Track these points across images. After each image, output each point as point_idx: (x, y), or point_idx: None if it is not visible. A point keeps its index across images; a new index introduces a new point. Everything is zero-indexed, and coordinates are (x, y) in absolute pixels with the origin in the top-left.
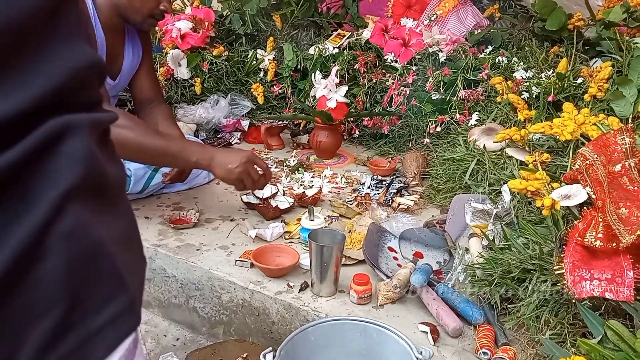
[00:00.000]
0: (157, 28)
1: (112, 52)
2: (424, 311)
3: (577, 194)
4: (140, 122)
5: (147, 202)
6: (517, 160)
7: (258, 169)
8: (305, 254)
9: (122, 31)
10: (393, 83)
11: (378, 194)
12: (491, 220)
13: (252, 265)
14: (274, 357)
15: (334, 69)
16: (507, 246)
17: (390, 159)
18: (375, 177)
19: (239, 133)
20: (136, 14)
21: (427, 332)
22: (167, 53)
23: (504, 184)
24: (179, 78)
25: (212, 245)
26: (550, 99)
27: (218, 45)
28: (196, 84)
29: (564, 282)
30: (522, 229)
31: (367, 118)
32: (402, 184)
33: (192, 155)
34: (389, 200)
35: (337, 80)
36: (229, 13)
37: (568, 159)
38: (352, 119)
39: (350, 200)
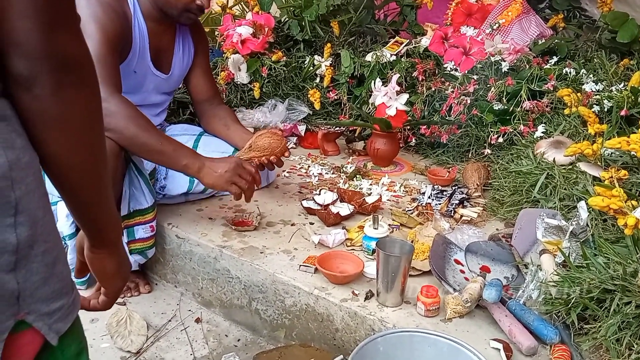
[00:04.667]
0: (217, 32)
1: (159, 43)
2: (494, 327)
3: None
4: (141, 115)
5: (210, 203)
6: (590, 175)
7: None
8: (369, 263)
9: (172, 25)
10: (453, 92)
11: (439, 204)
12: (566, 238)
13: (315, 270)
14: None
15: (395, 77)
16: (585, 265)
17: (449, 168)
18: (435, 187)
19: (295, 138)
20: (172, 8)
21: (499, 349)
22: (227, 58)
23: (577, 199)
24: (238, 82)
25: (275, 249)
26: (623, 113)
27: (277, 51)
28: (255, 88)
29: None
30: (599, 247)
31: (424, 126)
32: (464, 195)
33: (183, 158)
34: (451, 211)
35: (398, 88)
36: (287, 19)
37: None
38: (408, 127)
39: (411, 210)
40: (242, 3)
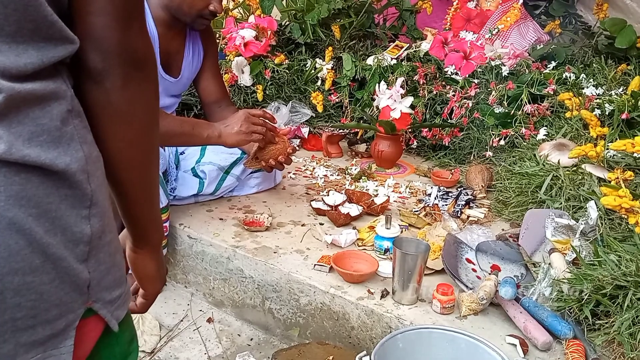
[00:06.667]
0: (219, 35)
1: (169, 47)
2: (508, 324)
3: None
4: None
5: (219, 204)
6: (595, 176)
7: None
8: (382, 262)
9: (182, 29)
10: (454, 95)
11: (446, 205)
12: (577, 237)
13: (330, 270)
14: None
15: (400, 80)
16: (596, 262)
17: (451, 170)
18: (441, 188)
19: (298, 140)
20: (185, 15)
21: (516, 345)
22: (230, 60)
23: (583, 200)
24: (242, 85)
25: (287, 249)
26: (624, 116)
27: (279, 54)
28: (258, 90)
29: None
30: (608, 245)
31: (426, 129)
32: (469, 197)
33: (204, 131)
34: (458, 212)
35: (403, 91)
36: (288, 22)
37: None
38: (410, 130)
39: (417, 210)
40: (242, 6)
